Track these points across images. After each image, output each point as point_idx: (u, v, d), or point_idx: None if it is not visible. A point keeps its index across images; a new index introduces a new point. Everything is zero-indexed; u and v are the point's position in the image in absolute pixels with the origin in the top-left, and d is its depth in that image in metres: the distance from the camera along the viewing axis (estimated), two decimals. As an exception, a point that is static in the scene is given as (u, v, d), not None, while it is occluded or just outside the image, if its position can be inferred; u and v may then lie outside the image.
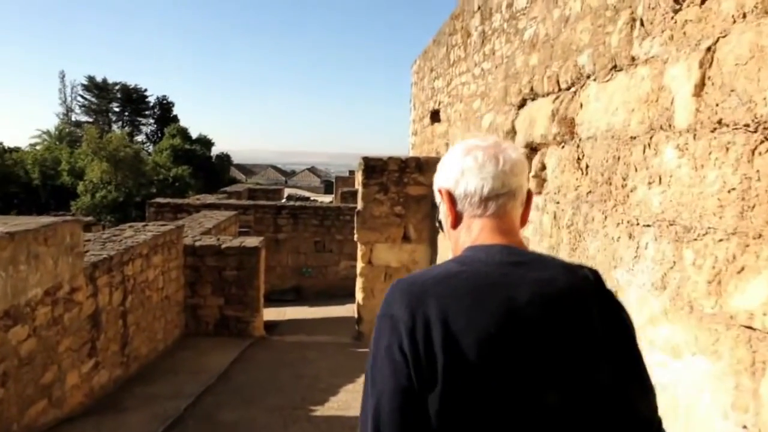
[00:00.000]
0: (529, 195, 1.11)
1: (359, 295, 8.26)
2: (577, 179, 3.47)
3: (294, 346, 7.82)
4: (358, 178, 8.37)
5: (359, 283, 8.25)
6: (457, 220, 1.07)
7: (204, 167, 36.59)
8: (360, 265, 8.19)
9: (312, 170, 78.41)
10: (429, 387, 0.87)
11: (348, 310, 12.84)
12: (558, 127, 3.70)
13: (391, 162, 8.07)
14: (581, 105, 3.39)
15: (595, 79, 3.23)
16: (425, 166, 8.14)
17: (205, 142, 41.71)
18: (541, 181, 4.12)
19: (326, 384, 5.99)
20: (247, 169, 68.06)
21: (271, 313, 12.04)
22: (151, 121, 50.22)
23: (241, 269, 8.26)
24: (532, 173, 4.23)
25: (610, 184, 2.93)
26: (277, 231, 14.88)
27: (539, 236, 3.98)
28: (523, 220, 1.12)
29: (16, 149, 33.88)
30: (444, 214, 1.11)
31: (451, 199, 1.07)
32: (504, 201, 1.04)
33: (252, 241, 8.65)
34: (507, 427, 0.88)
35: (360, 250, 8.16)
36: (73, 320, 4.48)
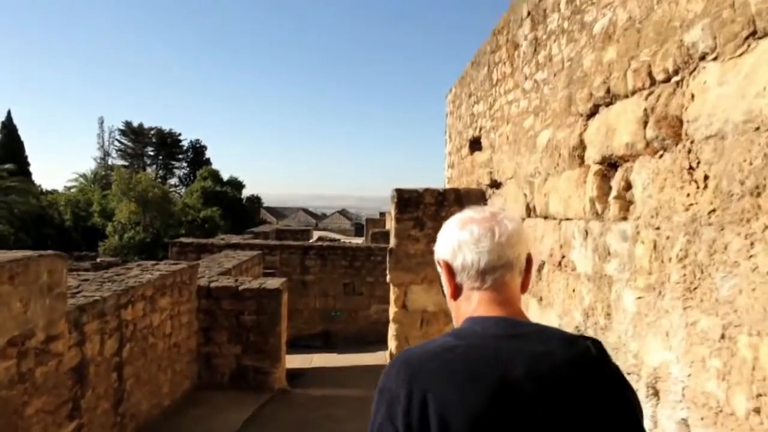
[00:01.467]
0: (529, 260, 1.10)
1: (392, 344, 7.32)
2: (688, 195, 2.57)
3: (319, 402, 6.88)
4: (391, 213, 7.56)
5: (392, 329, 7.32)
6: (456, 291, 1.10)
7: (234, 209, 36.56)
8: (393, 309, 7.28)
9: (343, 213, 78.42)
10: None
11: (379, 358, 11.84)
12: (654, 130, 2.83)
13: (427, 194, 7.25)
14: (692, 96, 2.53)
15: (715, 58, 2.37)
16: (465, 199, 7.29)
17: (236, 184, 41.96)
18: (626, 204, 3.22)
19: (354, 452, 5.06)
20: (278, 212, 68.36)
21: (296, 360, 11.15)
22: (185, 164, 51.09)
23: (261, 314, 7.45)
24: (613, 194, 3.35)
25: (758, 195, 2.04)
26: (304, 272, 14.11)
27: (629, 273, 3.06)
28: (524, 287, 1.11)
29: (53, 191, 34.47)
30: (445, 284, 1.14)
31: (450, 270, 1.10)
32: (501, 273, 1.04)
33: (273, 283, 7.86)
34: None
35: (393, 293, 7.27)
36: (49, 375, 3.71)
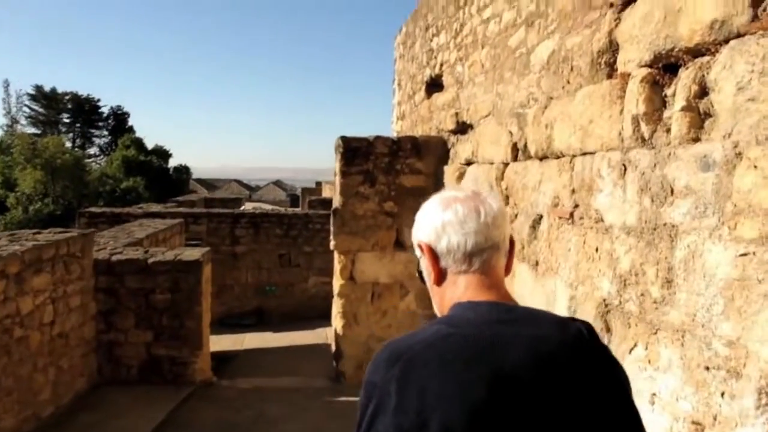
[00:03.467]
0: (512, 242, 1.08)
1: (337, 323, 6.16)
2: None
3: (250, 397, 5.64)
4: (335, 168, 6.31)
5: (337, 305, 6.15)
6: (440, 276, 1.04)
7: (160, 180, 34.06)
8: (338, 282, 6.10)
9: (277, 184, 76.00)
10: None
11: (319, 336, 10.71)
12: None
13: (378, 143, 6.04)
14: None
15: None
16: (424, 148, 6.14)
17: (162, 154, 39.23)
18: (699, 119, 2.15)
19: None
20: (209, 184, 65.19)
21: (226, 342, 9.81)
22: (105, 132, 47.27)
23: (176, 291, 6.08)
24: (678, 106, 2.27)
25: None
26: (234, 243, 12.64)
27: (718, 218, 2.00)
28: (507, 270, 1.07)
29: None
30: (426, 269, 1.08)
31: (433, 254, 1.03)
32: (489, 255, 1.01)
33: (192, 253, 6.47)
34: None
35: (338, 262, 6.08)
36: None
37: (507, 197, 4.25)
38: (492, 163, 4.51)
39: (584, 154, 3.00)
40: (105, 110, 46.93)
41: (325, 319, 12.44)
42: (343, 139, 5.97)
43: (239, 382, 6.11)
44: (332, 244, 6.07)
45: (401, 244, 6.17)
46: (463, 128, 5.47)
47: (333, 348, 6.56)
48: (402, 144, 6.07)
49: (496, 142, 4.38)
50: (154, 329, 5.93)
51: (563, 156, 3.27)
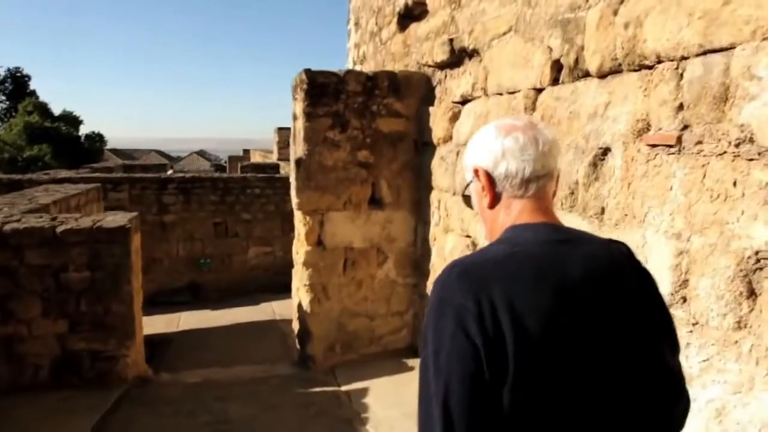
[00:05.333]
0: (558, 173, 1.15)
1: (303, 297, 5.11)
2: None
3: (201, 395, 4.51)
4: (295, 109, 5.16)
5: (302, 277, 5.09)
6: (495, 199, 1.09)
7: (70, 148, 31.00)
8: (303, 248, 5.03)
9: (201, 153, 72.23)
10: (499, 369, 0.89)
11: (265, 312, 9.60)
12: None
13: (351, 79, 4.94)
14: None
15: None
16: (404, 87, 5.10)
17: (71, 120, 35.82)
18: None
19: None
20: (126, 154, 60.77)
21: (158, 323, 8.49)
22: (2, 97, 42.50)
23: (97, 268, 4.79)
24: None
25: None
26: (162, 212, 11.14)
27: None
28: (553, 196, 1.14)
29: None
30: (478, 193, 1.13)
31: (490, 179, 1.09)
32: (544, 182, 1.07)
33: (116, 219, 5.16)
34: (574, 398, 0.92)
35: (303, 224, 4.99)
36: None
37: (540, 132, 3.32)
38: (514, 93, 3.57)
39: (708, 52, 2.11)
40: (1, 72, 42.11)
41: (268, 292, 11.31)
42: (308, 73, 4.82)
43: (184, 376, 4.95)
44: (295, 202, 4.97)
45: (378, 201, 5.16)
46: (459, 58, 4.49)
47: (296, 327, 5.51)
48: (378, 81, 5.00)
49: (523, 64, 3.43)
50: (69, 317, 4.63)
51: (660, 62, 2.36)
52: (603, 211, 2.75)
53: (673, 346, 1.08)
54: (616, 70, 2.69)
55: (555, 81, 3.19)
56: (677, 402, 1.07)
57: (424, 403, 0.93)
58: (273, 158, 22.17)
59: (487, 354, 0.88)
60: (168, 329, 8.62)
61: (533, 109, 3.35)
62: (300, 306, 5.22)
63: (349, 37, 8.08)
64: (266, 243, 11.78)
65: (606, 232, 2.71)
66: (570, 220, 2.98)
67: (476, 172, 1.11)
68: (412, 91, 5.10)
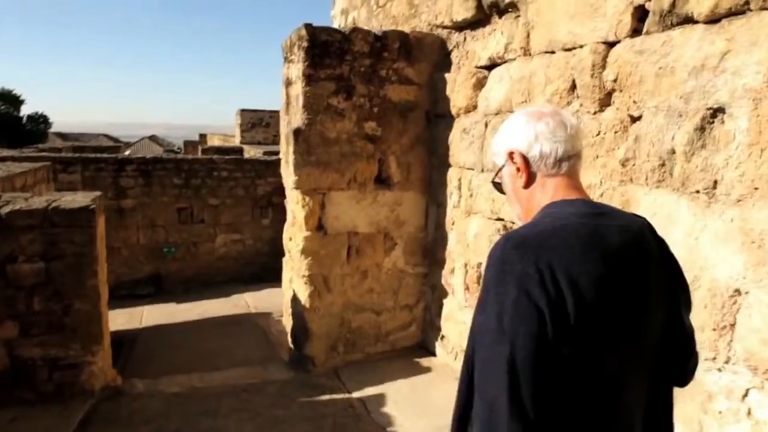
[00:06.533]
0: None
1: (302, 290, 4.45)
2: None
3: (187, 408, 3.81)
4: (290, 71, 4.46)
5: (300, 267, 4.43)
6: (530, 179, 1.19)
7: (9, 129, 29.01)
8: (301, 233, 4.37)
9: (153, 139, 69.36)
10: (560, 329, 0.97)
11: (238, 305, 8.86)
12: None
13: (357, 38, 4.27)
14: None
15: None
16: (417, 50, 4.48)
17: (11, 99, 33.65)
18: None
19: None
20: (73, 138, 57.63)
21: (118, 319, 7.61)
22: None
23: (54, 258, 4.00)
24: None
25: None
26: (120, 196, 10.17)
27: None
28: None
29: None
30: (512, 175, 1.22)
31: (525, 160, 1.18)
32: (573, 161, 1.18)
33: (77, 199, 4.36)
34: (618, 350, 1.03)
35: (302, 206, 4.33)
36: None
37: (610, 93, 2.79)
38: (572, 50, 3.01)
39: None
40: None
41: (239, 283, 10.55)
42: (309, 28, 4.14)
43: (162, 384, 4.21)
44: (292, 180, 4.29)
45: (385, 180, 4.55)
46: (486, 16, 3.90)
47: (288, 324, 4.86)
48: (388, 41, 4.36)
49: (590, 13, 2.86)
50: (19, 319, 3.83)
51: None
52: (715, 184, 2.23)
53: (688, 306, 1.21)
54: (737, 11, 2.16)
55: (635, 32, 2.65)
56: (690, 356, 1.21)
57: (482, 367, 1.01)
58: (235, 142, 21.17)
59: (551, 315, 0.97)
60: (130, 325, 7.79)
61: (603, 66, 2.80)
62: (295, 300, 4.57)
63: (334, 2, 7.36)
64: (235, 230, 10.98)
65: (721, 210, 2.20)
66: (658, 197, 2.46)
67: (511, 154, 1.20)
68: (425, 56, 4.49)
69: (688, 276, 2.26)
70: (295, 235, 4.47)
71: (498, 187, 1.29)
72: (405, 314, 4.72)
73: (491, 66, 3.89)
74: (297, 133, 4.19)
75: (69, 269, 4.04)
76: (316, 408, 3.64)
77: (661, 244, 1.18)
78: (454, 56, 4.35)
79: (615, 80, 2.72)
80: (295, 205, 4.40)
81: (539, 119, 1.17)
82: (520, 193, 1.21)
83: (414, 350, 4.64)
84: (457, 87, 4.20)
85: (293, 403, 3.72)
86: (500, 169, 1.25)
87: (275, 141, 19.83)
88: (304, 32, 4.12)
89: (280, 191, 11.14)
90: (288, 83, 4.51)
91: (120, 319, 7.76)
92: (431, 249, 4.65)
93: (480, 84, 4.00)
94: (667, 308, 1.13)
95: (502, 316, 0.98)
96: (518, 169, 1.19)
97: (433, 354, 4.60)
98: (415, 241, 4.67)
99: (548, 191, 1.16)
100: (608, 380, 1.02)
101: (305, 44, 4.11)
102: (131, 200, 10.29)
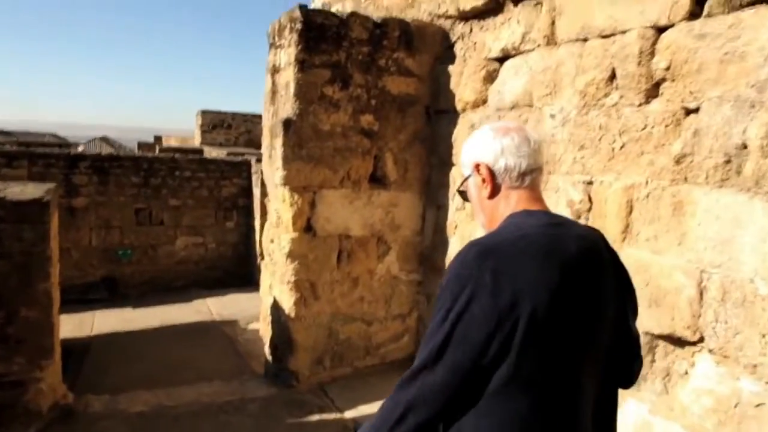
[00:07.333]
0: None
1: (286, 298, 4.01)
2: None
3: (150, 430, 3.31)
4: (275, 59, 4.04)
5: (285, 272, 3.99)
6: (495, 191, 1.24)
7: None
8: (287, 235, 3.93)
9: (104, 140, 66.82)
10: (508, 337, 1.00)
11: (200, 312, 8.28)
12: None
13: (355, 24, 3.90)
14: None
15: None
16: (418, 40, 4.13)
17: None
18: None
19: None
20: (16, 137, 54.81)
21: (65, 326, 6.88)
22: None
23: (-1, 255, 3.43)
24: None
25: None
26: (72, 194, 9.41)
27: None
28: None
29: None
30: (478, 185, 1.27)
31: (491, 172, 1.24)
32: (536, 175, 1.23)
33: (27, 191, 3.80)
34: (571, 356, 1.07)
35: (289, 205, 3.90)
36: None
37: (659, 82, 2.51)
38: (612, 36, 2.73)
39: None
40: None
41: (200, 288, 9.92)
42: (303, 10, 3.73)
43: (124, 402, 3.66)
44: (280, 176, 3.86)
45: (380, 179, 4.17)
46: (498, 4, 3.60)
47: (267, 334, 4.40)
48: (388, 29, 4.00)
49: (635, -9, 2.59)
50: (-45, 325, 3.26)
51: None
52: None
53: (634, 312, 1.28)
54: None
55: (692, 16, 2.38)
56: (635, 360, 1.28)
57: (420, 375, 1.05)
58: (195, 143, 20.36)
59: (497, 324, 1.00)
60: (80, 333, 7.12)
61: (651, 54, 2.52)
62: (277, 308, 4.12)
63: (316, -6, 6.96)
64: (197, 233, 10.35)
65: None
66: (721, 197, 2.18)
67: (477, 166, 1.26)
68: (427, 47, 4.15)
69: (761, 285, 2.05)
70: (279, 236, 4.03)
71: (463, 195, 1.35)
72: (397, 324, 4.33)
73: (503, 58, 3.59)
74: (287, 124, 3.76)
75: (16, 270, 3.48)
76: (306, 430, 3.20)
77: (612, 253, 1.23)
78: (459, 48, 4.03)
79: (667, 68, 2.44)
80: (280, 203, 3.96)
81: (505, 134, 1.23)
82: (485, 203, 1.26)
83: (406, 363, 4.24)
84: (463, 80, 3.88)
85: (279, 426, 3.27)
86: (466, 179, 1.31)
87: (236, 143, 19.17)
88: (297, 14, 3.72)
89: (246, 193, 10.62)
90: (275, 70, 4.08)
91: (67, 326, 7.01)
92: (428, 255, 4.29)
93: (491, 77, 3.69)
94: (618, 313, 1.19)
95: (450, 310, 1.04)
96: (483, 180, 1.25)
97: (426, 369, 4.22)
98: (411, 246, 4.31)
99: (511, 202, 1.22)
100: (566, 385, 1.07)
101: (299, 26, 3.70)
102: (84, 198, 9.54)
